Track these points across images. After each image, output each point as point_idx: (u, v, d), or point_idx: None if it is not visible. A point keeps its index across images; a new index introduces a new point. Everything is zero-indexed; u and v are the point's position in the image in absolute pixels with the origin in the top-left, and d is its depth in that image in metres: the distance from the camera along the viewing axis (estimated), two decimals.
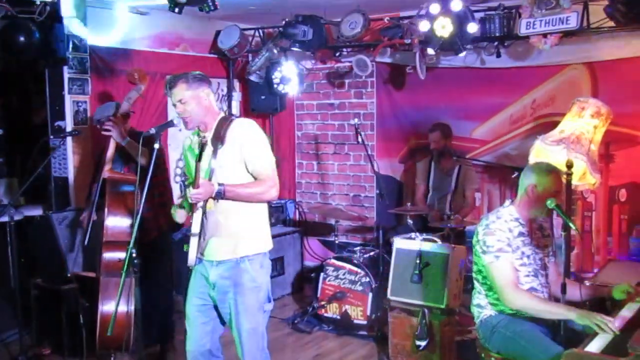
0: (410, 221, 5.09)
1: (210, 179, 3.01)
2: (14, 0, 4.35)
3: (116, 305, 3.10)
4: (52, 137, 4.97)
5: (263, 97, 6.37)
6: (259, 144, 3.10)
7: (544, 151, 4.11)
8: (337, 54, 6.01)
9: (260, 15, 5.83)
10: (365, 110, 6.55)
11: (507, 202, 3.33)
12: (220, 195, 2.97)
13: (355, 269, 5.04)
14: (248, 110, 6.62)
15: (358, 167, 6.71)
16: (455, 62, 5.67)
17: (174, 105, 3.10)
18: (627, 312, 2.94)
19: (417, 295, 4.23)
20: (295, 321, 5.24)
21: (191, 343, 3.23)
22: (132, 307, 3.77)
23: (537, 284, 3.22)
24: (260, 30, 6.22)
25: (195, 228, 3.02)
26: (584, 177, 4.13)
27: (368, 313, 4.95)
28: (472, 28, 4.73)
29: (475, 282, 3.35)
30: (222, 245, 3.09)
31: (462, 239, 5.08)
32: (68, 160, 5.15)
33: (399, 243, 4.48)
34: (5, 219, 4.26)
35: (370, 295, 4.94)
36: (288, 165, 7.08)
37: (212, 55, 6.40)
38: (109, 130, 4.08)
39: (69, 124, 5.10)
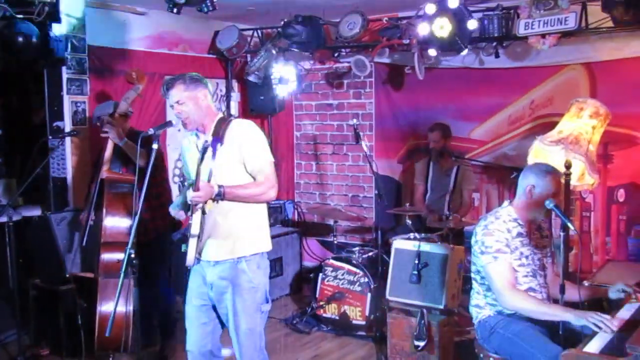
0: (409, 221, 5.09)
1: (209, 180, 3.01)
2: (12, 0, 4.35)
3: (115, 306, 3.09)
4: (50, 137, 4.97)
5: (262, 97, 6.37)
6: (257, 144, 3.10)
7: (543, 151, 4.11)
8: (336, 55, 6.02)
9: (259, 15, 5.83)
10: (364, 110, 6.55)
11: (506, 202, 3.33)
12: (220, 197, 2.97)
13: (354, 269, 5.04)
14: (247, 111, 6.62)
15: (357, 167, 6.71)
16: (453, 63, 5.67)
17: (171, 106, 3.10)
18: (625, 313, 2.94)
19: (415, 295, 4.23)
20: (294, 321, 5.24)
21: (192, 343, 3.23)
22: (131, 308, 3.76)
23: (535, 284, 3.22)
24: (259, 31, 6.22)
25: (194, 229, 3.02)
26: (583, 178, 4.13)
27: (367, 313, 4.95)
28: (472, 25, 4.71)
29: (473, 282, 3.35)
30: (220, 245, 3.09)
31: (460, 239, 5.08)
32: (67, 160, 5.14)
33: (398, 243, 4.48)
34: (4, 219, 4.26)
35: (369, 295, 4.94)
36: (287, 166, 7.08)
37: (210, 56, 6.40)
38: (107, 132, 4.09)
39: (67, 125, 5.10)
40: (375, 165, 5.58)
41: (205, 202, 3.00)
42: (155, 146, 3.02)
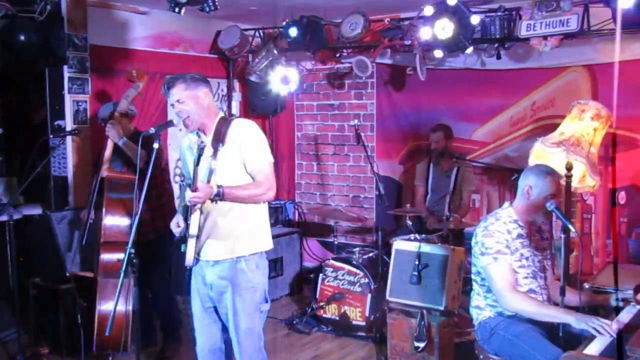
0: (409, 222, 5.09)
1: (210, 180, 3.01)
2: None
3: (114, 305, 3.09)
4: (51, 136, 4.97)
5: (263, 97, 6.37)
6: (258, 144, 3.10)
7: (544, 153, 4.11)
8: (337, 55, 6.02)
9: (261, 15, 5.83)
10: (365, 111, 6.55)
11: (506, 203, 3.33)
12: (218, 197, 2.96)
13: (354, 270, 5.04)
14: (248, 111, 6.62)
15: (358, 168, 6.70)
16: (455, 64, 5.67)
17: (172, 105, 3.09)
18: (625, 316, 2.94)
19: (416, 296, 4.23)
20: (294, 322, 5.24)
21: (201, 342, 3.25)
22: (130, 308, 3.76)
23: (535, 285, 3.21)
24: (261, 31, 6.22)
25: (193, 229, 3.02)
26: (584, 180, 4.13)
27: (367, 314, 4.94)
28: (475, 19, 4.68)
29: (474, 283, 3.34)
30: (219, 245, 3.09)
31: (461, 240, 5.07)
32: (67, 159, 5.14)
33: (398, 244, 4.48)
34: (5, 218, 4.25)
35: (369, 296, 4.93)
36: (287, 166, 7.08)
37: (212, 55, 6.40)
38: (108, 131, 4.10)
39: (68, 124, 5.09)
40: (376, 166, 5.58)
41: (204, 203, 3.00)
42: (156, 145, 3.01)
